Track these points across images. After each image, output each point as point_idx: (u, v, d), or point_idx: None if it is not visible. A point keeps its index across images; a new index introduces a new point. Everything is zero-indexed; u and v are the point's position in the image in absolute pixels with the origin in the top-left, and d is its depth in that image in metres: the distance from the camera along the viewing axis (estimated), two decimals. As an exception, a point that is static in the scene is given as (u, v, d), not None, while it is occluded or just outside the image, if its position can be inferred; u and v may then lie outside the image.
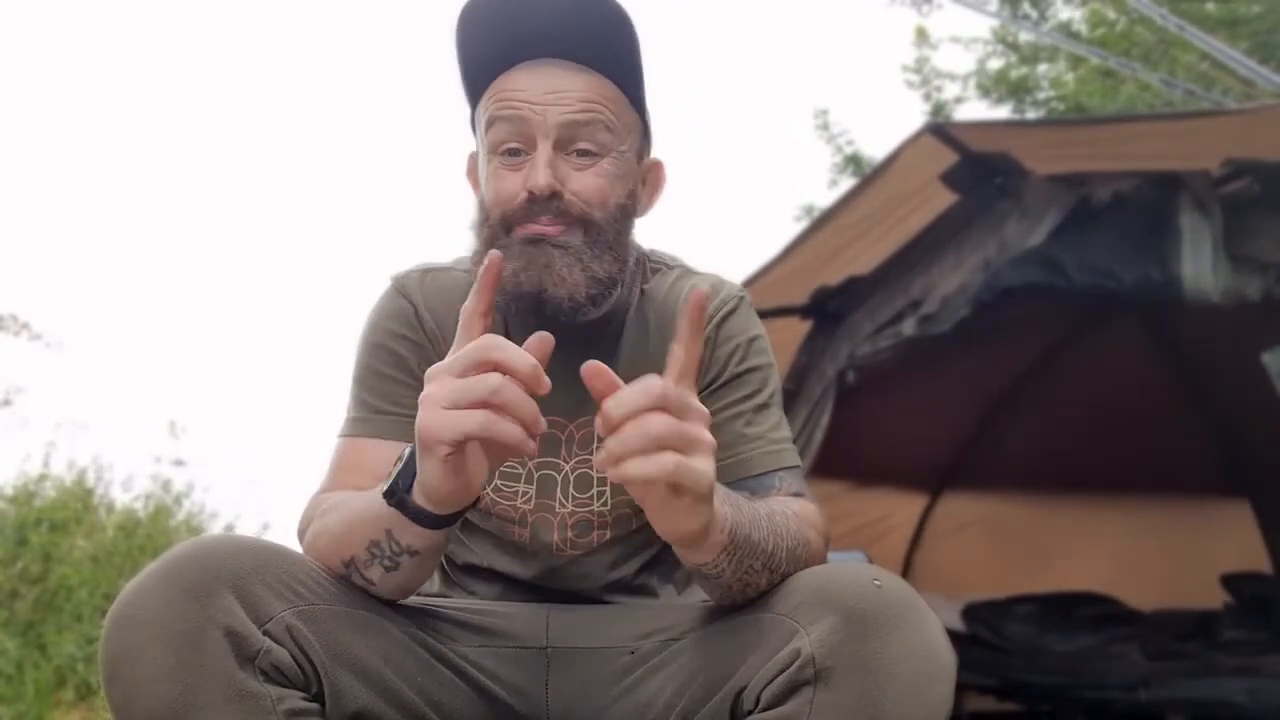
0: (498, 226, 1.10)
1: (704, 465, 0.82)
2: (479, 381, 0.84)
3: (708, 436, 0.83)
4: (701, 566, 0.94)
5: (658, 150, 1.22)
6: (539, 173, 1.06)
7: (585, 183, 1.09)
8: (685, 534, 0.88)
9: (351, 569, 0.99)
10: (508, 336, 1.16)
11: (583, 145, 1.09)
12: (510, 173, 1.09)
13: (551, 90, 1.08)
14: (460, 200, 1.23)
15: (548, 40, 1.09)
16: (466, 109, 1.17)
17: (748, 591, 0.98)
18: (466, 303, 0.89)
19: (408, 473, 0.91)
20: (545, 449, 1.15)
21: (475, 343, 0.87)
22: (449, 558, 1.23)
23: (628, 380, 1.15)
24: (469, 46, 1.11)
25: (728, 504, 0.91)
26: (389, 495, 0.92)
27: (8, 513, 4.71)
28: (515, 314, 1.11)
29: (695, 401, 0.84)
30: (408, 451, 0.92)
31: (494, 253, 0.90)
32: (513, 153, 1.09)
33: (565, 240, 1.08)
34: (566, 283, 1.07)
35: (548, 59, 1.10)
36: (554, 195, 1.07)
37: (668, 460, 0.80)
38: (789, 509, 1.03)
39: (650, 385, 0.83)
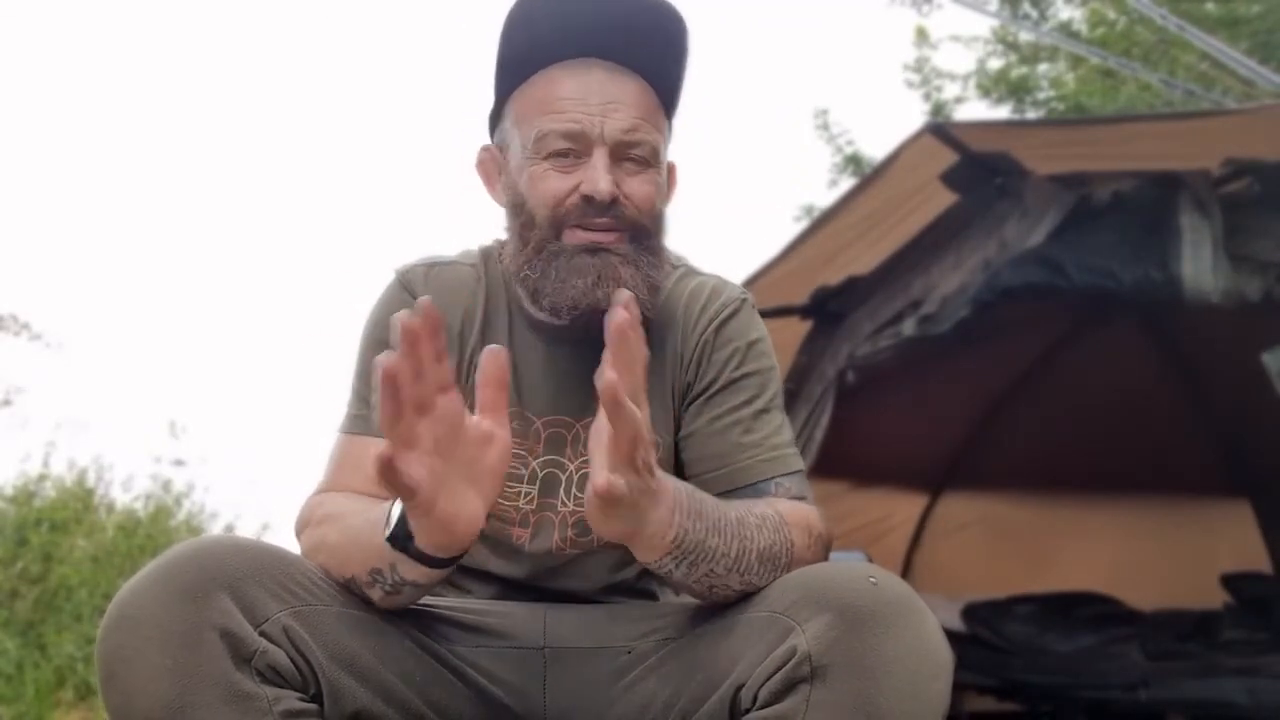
0: (546, 229, 1.09)
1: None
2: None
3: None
4: (647, 565, 0.95)
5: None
6: (600, 179, 1.06)
7: (640, 190, 1.09)
8: (615, 535, 0.91)
9: (352, 585, 0.99)
10: (510, 338, 1.16)
11: (638, 155, 1.09)
12: (560, 174, 1.08)
13: (608, 100, 1.08)
14: (457, 194, 1.23)
15: (598, 43, 1.09)
16: (491, 100, 1.16)
17: (715, 593, 0.98)
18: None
19: (403, 519, 0.91)
20: (551, 448, 1.15)
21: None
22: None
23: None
24: (517, 37, 1.11)
25: (684, 510, 0.92)
26: (392, 541, 0.92)
27: (8, 513, 4.71)
28: (575, 321, 1.09)
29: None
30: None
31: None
32: (561, 154, 1.08)
33: (621, 248, 1.08)
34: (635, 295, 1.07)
35: (595, 60, 1.09)
36: (612, 202, 1.07)
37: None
38: (770, 511, 1.02)
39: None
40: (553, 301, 1.08)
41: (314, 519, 1.05)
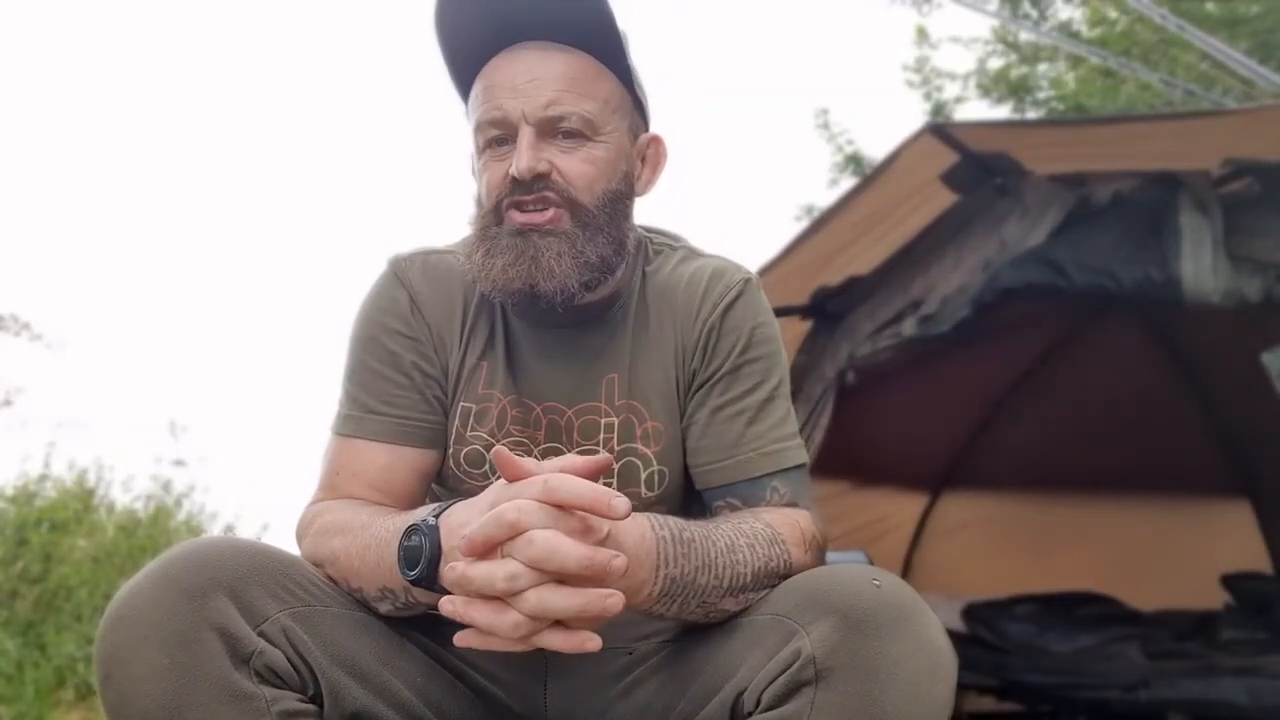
0: (489, 215, 1.09)
1: (567, 600, 0.83)
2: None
3: (575, 555, 0.82)
4: (637, 610, 0.94)
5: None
6: (521, 156, 1.05)
7: (571, 166, 1.07)
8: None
9: (357, 595, 0.99)
10: (505, 325, 1.16)
11: (567, 127, 1.07)
12: (497, 163, 1.09)
13: (529, 78, 1.07)
14: (458, 194, 1.23)
15: (521, 26, 1.08)
16: (462, 107, 1.16)
17: (712, 617, 0.98)
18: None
19: (433, 556, 0.90)
20: (550, 435, 1.14)
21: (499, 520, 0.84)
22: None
23: (636, 363, 1.15)
24: (448, 47, 1.11)
25: (669, 558, 0.91)
26: (414, 582, 0.91)
27: (8, 513, 4.71)
28: (514, 305, 1.11)
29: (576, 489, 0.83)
30: (428, 532, 0.91)
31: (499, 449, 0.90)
32: (499, 143, 1.09)
33: (554, 227, 1.07)
34: (556, 275, 1.06)
35: (524, 44, 1.09)
36: (539, 177, 1.06)
37: (524, 607, 0.82)
38: (761, 526, 1.01)
39: (502, 511, 0.83)
40: (484, 286, 1.09)
41: (315, 528, 1.05)
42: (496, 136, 1.09)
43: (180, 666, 0.86)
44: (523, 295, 1.07)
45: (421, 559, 0.90)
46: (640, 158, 1.16)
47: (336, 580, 1.00)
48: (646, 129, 1.18)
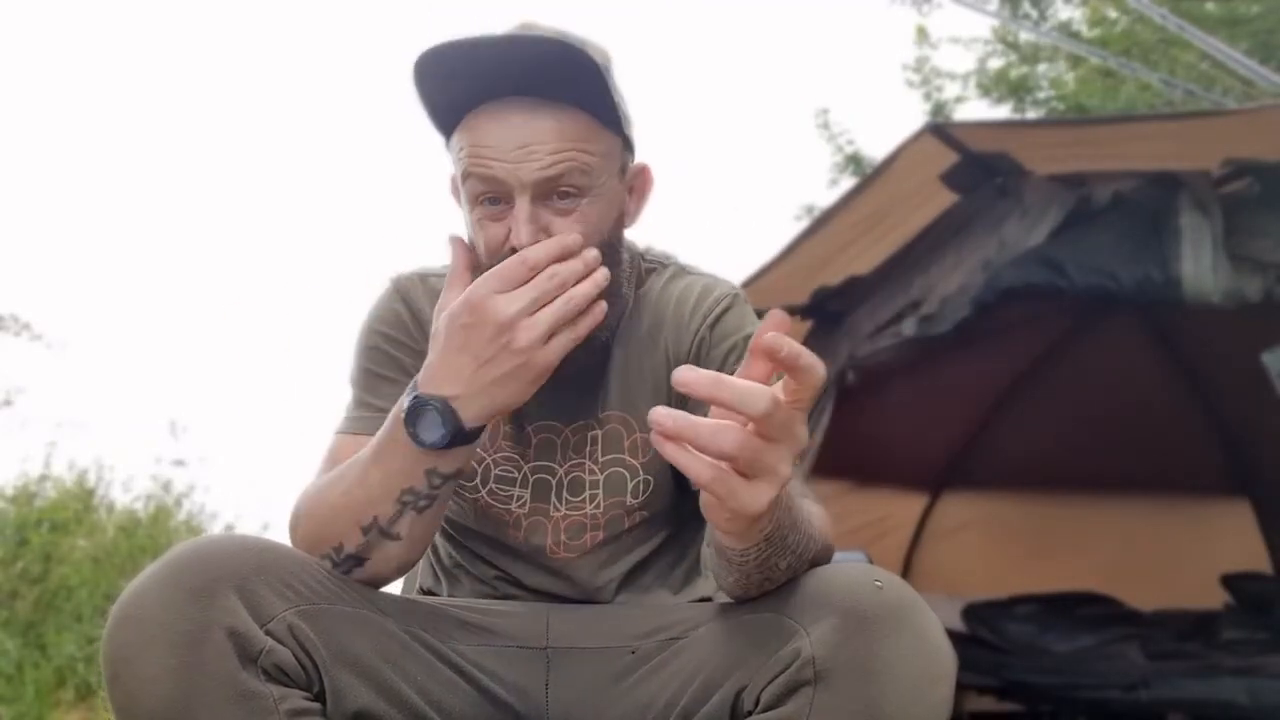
0: None
1: (759, 496, 0.79)
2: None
3: (785, 469, 0.80)
4: (730, 550, 0.91)
5: (657, 152, 1.19)
6: (520, 230, 1.04)
7: (569, 229, 1.05)
8: (721, 526, 0.86)
9: (338, 553, 1.00)
10: None
11: (562, 189, 1.06)
12: (493, 223, 1.07)
13: (521, 145, 1.04)
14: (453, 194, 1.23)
15: (507, 79, 1.05)
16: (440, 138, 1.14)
17: (765, 585, 0.96)
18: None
19: (449, 416, 0.95)
20: (541, 453, 1.16)
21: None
22: (447, 555, 1.23)
23: (627, 376, 1.16)
24: (429, 96, 1.08)
25: (780, 502, 0.87)
26: (448, 445, 0.96)
27: (8, 513, 4.71)
28: None
29: (799, 428, 0.80)
30: (417, 400, 0.96)
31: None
32: (492, 201, 1.07)
33: None
34: None
35: (512, 98, 1.05)
36: None
37: (722, 477, 0.78)
38: (817, 512, 1.02)
39: (756, 396, 0.77)
40: None
41: (301, 512, 1.05)
42: (489, 195, 1.07)
43: (188, 666, 0.86)
44: None
45: (441, 421, 0.96)
46: (628, 189, 1.15)
47: (312, 547, 1.00)
48: (633, 158, 1.16)
